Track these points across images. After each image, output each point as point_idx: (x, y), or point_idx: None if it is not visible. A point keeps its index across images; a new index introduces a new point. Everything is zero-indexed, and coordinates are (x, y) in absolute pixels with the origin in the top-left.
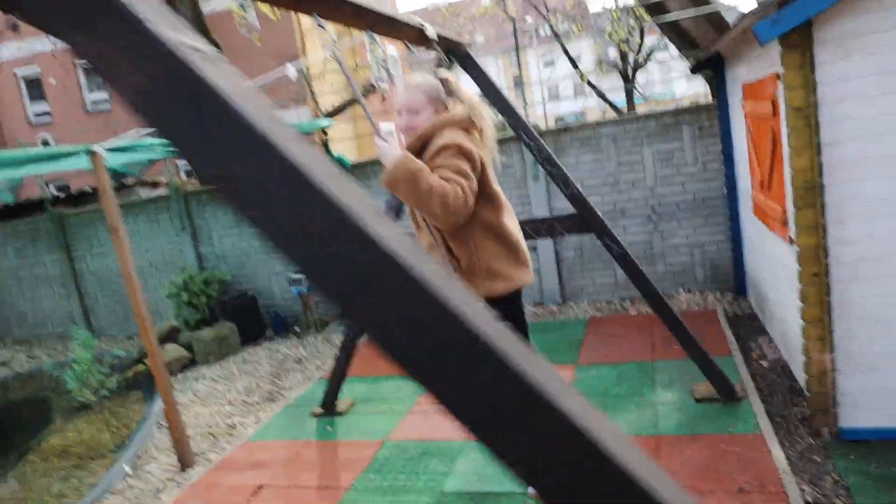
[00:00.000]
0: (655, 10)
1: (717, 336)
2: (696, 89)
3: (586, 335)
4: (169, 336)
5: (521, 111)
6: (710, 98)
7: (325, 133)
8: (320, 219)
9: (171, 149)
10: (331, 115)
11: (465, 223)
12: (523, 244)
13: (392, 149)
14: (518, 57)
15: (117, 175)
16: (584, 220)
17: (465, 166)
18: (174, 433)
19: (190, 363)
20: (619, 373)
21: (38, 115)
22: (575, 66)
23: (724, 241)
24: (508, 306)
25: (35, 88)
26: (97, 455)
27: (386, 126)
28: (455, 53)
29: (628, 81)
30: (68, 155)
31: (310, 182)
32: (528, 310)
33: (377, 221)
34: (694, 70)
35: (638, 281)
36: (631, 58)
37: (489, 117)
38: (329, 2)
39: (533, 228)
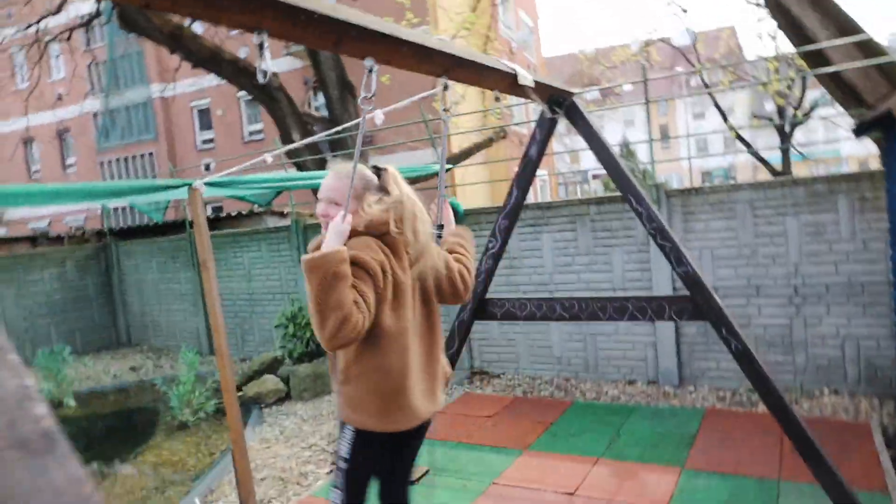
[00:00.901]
0: (816, 60)
1: (868, 459)
2: (867, 149)
3: (701, 430)
4: (270, 367)
5: (637, 168)
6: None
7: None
8: None
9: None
10: (457, 159)
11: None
12: (409, 386)
13: (339, 236)
14: (648, 107)
15: (246, 202)
16: (697, 305)
17: (365, 286)
18: (240, 478)
19: (285, 397)
20: (733, 488)
21: (204, 141)
22: (725, 118)
23: (887, 338)
24: (363, 444)
25: (204, 118)
26: (179, 480)
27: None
28: (558, 103)
29: (785, 138)
30: (171, 188)
31: None
32: (641, 388)
33: None
34: (858, 132)
35: (759, 383)
36: (790, 112)
37: (420, 213)
38: (380, 43)
39: (637, 308)
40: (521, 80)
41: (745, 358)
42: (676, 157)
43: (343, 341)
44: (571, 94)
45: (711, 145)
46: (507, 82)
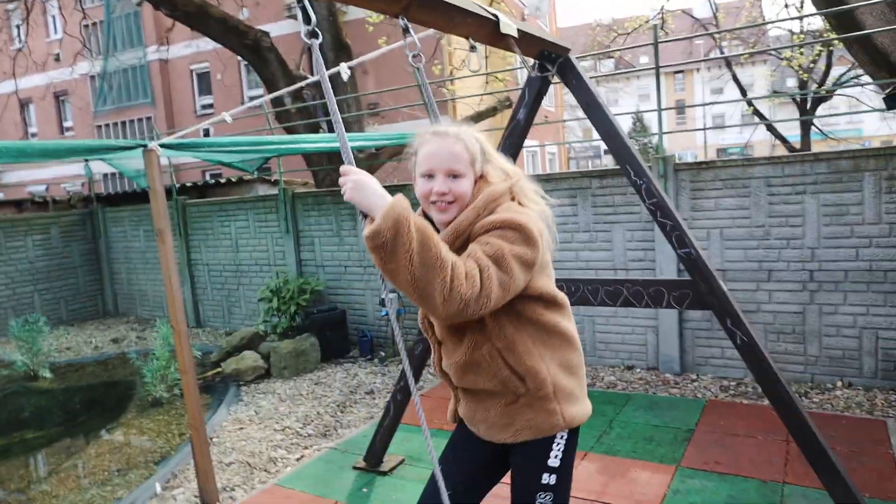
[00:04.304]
0: (844, 23)
1: (882, 462)
2: (892, 128)
3: (700, 423)
4: (250, 342)
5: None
6: None
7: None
8: None
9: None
10: None
11: (506, 320)
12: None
13: (377, 193)
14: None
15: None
16: (700, 292)
17: (514, 261)
18: (199, 465)
19: (265, 374)
20: (733, 492)
21: (203, 106)
22: (743, 93)
23: None
24: (573, 447)
25: (204, 82)
26: (143, 462)
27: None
28: (550, 60)
29: (805, 114)
30: (124, 149)
31: None
32: (640, 374)
33: None
34: (889, 103)
35: (764, 380)
36: (812, 89)
37: (535, 191)
38: None
39: (632, 293)
40: (504, 29)
41: (751, 353)
42: (691, 133)
43: (465, 300)
44: (566, 49)
45: (729, 121)
46: (486, 31)
